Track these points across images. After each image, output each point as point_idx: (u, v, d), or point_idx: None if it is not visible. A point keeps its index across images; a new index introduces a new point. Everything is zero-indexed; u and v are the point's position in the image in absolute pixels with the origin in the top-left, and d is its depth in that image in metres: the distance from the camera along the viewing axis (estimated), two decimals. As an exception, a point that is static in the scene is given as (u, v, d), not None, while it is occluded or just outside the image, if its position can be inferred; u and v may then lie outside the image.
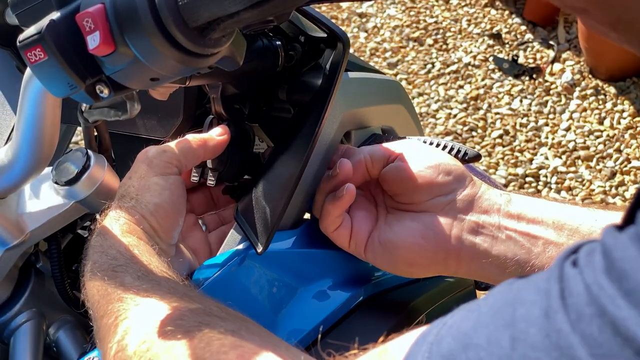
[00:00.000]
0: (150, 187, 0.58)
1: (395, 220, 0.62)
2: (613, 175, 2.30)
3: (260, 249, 0.59)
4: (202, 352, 0.39)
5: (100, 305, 0.49)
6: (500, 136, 2.47)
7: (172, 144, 0.62)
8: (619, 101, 2.56)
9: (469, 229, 0.58)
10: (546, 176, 2.32)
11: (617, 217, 0.56)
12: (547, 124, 2.52)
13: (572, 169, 2.33)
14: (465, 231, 0.58)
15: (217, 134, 0.64)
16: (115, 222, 0.56)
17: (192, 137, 0.62)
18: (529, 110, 2.59)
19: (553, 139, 2.45)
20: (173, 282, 0.50)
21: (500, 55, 2.85)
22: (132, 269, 0.50)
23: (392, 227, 0.61)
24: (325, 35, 0.63)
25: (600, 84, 2.64)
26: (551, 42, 2.86)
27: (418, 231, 0.59)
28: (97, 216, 0.59)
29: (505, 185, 2.30)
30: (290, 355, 0.39)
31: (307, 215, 0.69)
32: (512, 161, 2.37)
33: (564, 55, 2.78)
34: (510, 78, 2.74)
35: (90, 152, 0.62)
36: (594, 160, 2.35)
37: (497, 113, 2.57)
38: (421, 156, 0.61)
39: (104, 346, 0.46)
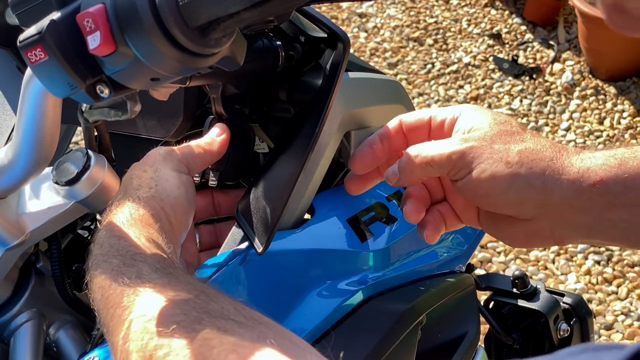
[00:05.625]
0: (168, 179, 0.57)
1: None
2: (613, 175, 2.30)
3: (260, 249, 0.59)
4: None
5: (114, 293, 0.47)
6: (500, 136, 2.47)
7: (179, 151, 0.61)
8: (619, 101, 2.56)
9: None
10: (546, 176, 2.32)
11: None
12: (547, 124, 2.52)
13: (572, 169, 2.33)
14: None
15: (217, 135, 0.63)
16: (135, 211, 0.54)
17: (197, 145, 0.62)
18: (529, 110, 2.59)
19: (553, 138, 2.44)
20: (191, 277, 0.48)
21: (500, 55, 2.85)
22: (151, 260, 0.49)
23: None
24: (325, 35, 0.62)
25: (600, 84, 2.64)
26: (551, 42, 2.86)
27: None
28: (99, 216, 0.59)
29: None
30: None
31: (307, 216, 0.69)
32: (512, 161, 2.37)
33: (564, 55, 2.78)
34: (510, 78, 2.74)
35: (90, 152, 0.62)
36: (594, 160, 2.35)
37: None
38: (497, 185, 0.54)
39: (113, 339, 0.45)
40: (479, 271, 1.99)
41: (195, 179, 0.68)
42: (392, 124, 0.60)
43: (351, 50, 0.63)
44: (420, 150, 0.56)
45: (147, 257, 0.49)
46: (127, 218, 0.54)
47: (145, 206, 0.55)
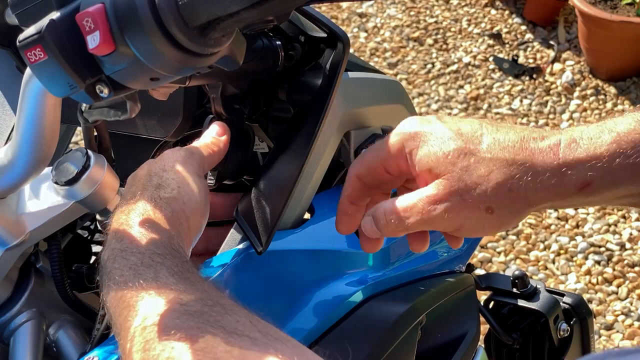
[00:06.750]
0: (190, 182, 0.56)
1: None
2: (613, 175, 2.30)
3: (260, 248, 0.59)
4: None
5: (128, 293, 0.46)
6: (500, 136, 2.48)
7: (197, 153, 0.60)
8: (619, 101, 2.56)
9: None
10: (546, 176, 2.32)
11: None
12: (547, 124, 2.52)
13: (572, 169, 2.33)
14: None
15: (218, 134, 0.63)
16: (157, 210, 0.53)
17: (204, 146, 0.61)
18: (529, 110, 2.59)
19: (553, 139, 2.45)
20: (207, 285, 0.48)
21: (500, 55, 2.85)
22: (169, 262, 0.48)
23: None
24: (325, 35, 0.63)
25: (600, 84, 2.64)
26: (551, 42, 2.86)
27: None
28: (99, 216, 0.58)
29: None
30: None
31: (307, 215, 0.69)
32: (512, 161, 2.37)
33: (564, 55, 2.78)
34: (510, 78, 2.74)
35: (90, 152, 0.62)
36: (594, 160, 2.35)
37: (497, 113, 2.57)
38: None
39: (122, 342, 0.44)
40: (479, 271, 1.99)
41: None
42: (350, 182, 0.56)
43: (351, 50, 0.63)
44: (408, 214, 0.51)
45: (165, 259, 0.49)
46: (150, 215, 0.53)
47: (167, 207, 0.54)
